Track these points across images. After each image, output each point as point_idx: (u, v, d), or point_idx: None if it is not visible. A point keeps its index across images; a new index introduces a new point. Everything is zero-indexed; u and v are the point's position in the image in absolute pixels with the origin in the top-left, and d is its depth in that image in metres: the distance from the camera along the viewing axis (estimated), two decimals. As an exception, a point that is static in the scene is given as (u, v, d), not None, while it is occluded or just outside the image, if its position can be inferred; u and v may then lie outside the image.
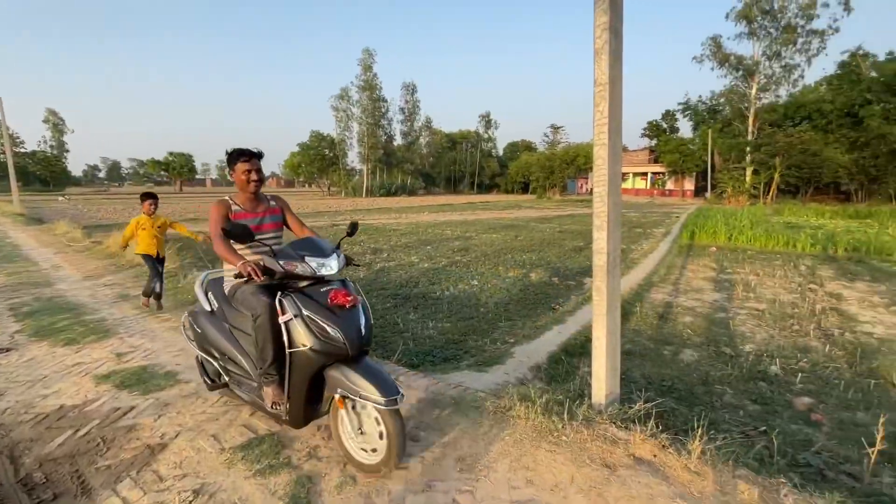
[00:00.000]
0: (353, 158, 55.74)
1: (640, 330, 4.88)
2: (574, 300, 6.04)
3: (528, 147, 71.66)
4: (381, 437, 2.10)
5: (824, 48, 32.27)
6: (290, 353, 2.11)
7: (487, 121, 71.12)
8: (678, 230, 14.83)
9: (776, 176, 31.34)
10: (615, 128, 2.24)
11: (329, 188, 57.96)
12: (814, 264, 8.93)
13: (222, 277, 2.71)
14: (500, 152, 74.42)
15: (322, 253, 2.19)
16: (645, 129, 54.68)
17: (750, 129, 34.43)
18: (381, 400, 1.95)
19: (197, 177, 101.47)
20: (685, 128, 51.22)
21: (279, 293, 2.16)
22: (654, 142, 51.62)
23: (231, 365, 2.53)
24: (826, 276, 7.82)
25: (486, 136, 71.16)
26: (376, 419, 2.10)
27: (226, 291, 2.55)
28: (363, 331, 2.14)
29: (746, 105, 35.04)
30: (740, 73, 35.04)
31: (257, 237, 2.44)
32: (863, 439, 2.54)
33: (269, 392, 2.23)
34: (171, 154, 76.75)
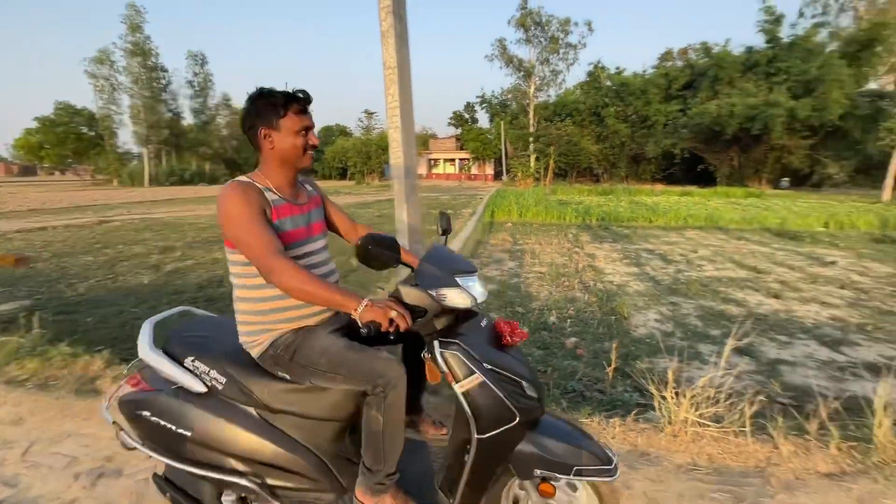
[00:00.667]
0: (128, 139, 45.47)
1: (452, 301, 5.36)
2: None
3: (344, 132, 70.26)
4: None
5: (578, 59, 40.34)
6: (482, 439, 1.34)
7: (369, 114, 66.90)
8: (482, 210, 16.75)
9: (551, 162, 38.08)
10: (407, 111, 2.34)
11: (93, 175, 46.09)
12: (577, 232, 11.25)
13: (209, 322, 1.77)
14: (315, 136, 71.01)
15: (465, 267, 1.47)
16: (451, 118, 59.59)
17: (531, 122, 40.84)
18: (609, 468, 1.33)
19: None
20: (483, 119, 57.75)
21: (435, 343, 1.37)
22: (459, 130, 56.76)
23: (273, 476, 1.52)
24: (585, 240, 9.94)
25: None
26: None
27: (254, 352, 1.52)
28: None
29: (527, 102, 41.36)
30: (521, 73, 41.09)
31: (306, 249, 1.54)
32: (604, 363, 3.33)
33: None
34: None
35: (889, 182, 19.85)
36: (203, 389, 1.49)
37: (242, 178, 1.47)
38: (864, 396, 3.02)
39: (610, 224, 12.81)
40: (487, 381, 1.30)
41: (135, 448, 1.56)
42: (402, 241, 2.52)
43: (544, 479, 1.38)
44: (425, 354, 1.39)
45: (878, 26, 26.73)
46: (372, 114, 65.60)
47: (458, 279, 1.38)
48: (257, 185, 1.44)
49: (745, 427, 2.00)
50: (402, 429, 1.40)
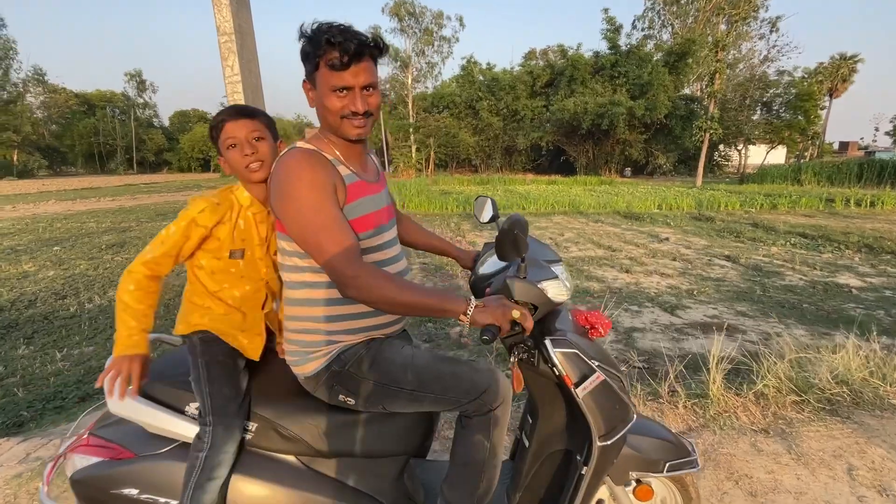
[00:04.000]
0: None
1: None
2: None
3: (203, 118, 62.31)
4: None
5: (452, 52, 41.52)
6: (606, 446, 1.16)
7: (140, 81, 57.25)
8: (364, 202, 16.33)
9: (432, 153, 38.81)
10: (252, 85, 1.99)
11: None
12: (459, 221, 11.56)
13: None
14: (166, 122, 61.97)
15: (553, 255, 1.32)
16: (327, 106, 56.83)
17: (411, 113, 40.99)
18: (693, 458, 1.28)
19: None
20: (362, 108, 56.21)
21: (548, 342, 1.15)
22: (337, 120, 54.50)
23: None
24: (466, 229, 10.25)
25: (140, 100, 57.33)
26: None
27: (306, 371, 1.17)
28: None
29: (406, 92, 41.39)
30: (398, 63, 40.87)
31: (383, 238, 1.24)
32: (487, 355, 3.37)
33: None
34: None
35: (700, 170, 24.30)
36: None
37: (303, 144, 1.14)
38: (700, 353, 3.55)
39: (488, 212, 13.45)
40: (609, 380, 1.16)
41: None
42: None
43: (638, 482, 1.31)
44: (514, 359, 1.21)
45: (688, 42, 32.41)
46: (143, 81, 58.33)
47: (554, 269, 1.23)
48: (325, 155, 1.11)
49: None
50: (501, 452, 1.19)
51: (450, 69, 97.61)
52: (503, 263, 1.26)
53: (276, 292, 1.31)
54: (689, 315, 4.68)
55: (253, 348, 1.26)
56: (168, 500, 1.13)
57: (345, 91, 1.07)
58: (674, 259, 7.26)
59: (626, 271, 6.45)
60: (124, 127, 53.07)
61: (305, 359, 1.15)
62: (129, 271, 1.14)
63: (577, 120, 31.73)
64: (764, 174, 25.38)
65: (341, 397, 1.15)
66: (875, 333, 2.84)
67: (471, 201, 14.61)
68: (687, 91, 35.50)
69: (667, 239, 9.05)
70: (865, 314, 4.58)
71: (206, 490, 1.10)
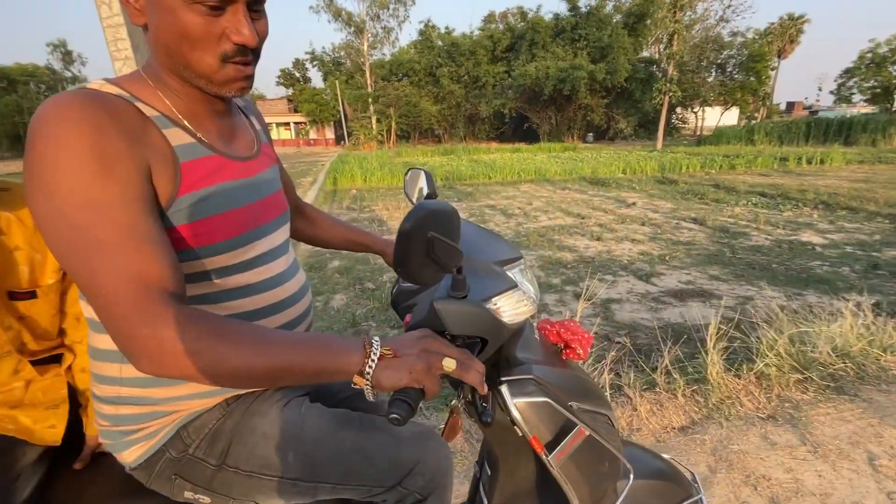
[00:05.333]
0: None
1: (289, 287, 4.59)
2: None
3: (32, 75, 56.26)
4: None
5: (409, 16, 39.63)
6: None
7: (66, 53, 51.87)
8: (323, 177, 15.50)
9: (393, 124, 37.53)
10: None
11: None
12: (424, 194, 11.15)
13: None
14: (102, 98, 56.59)
15: (510, 252, 0.81)
16: (279, 77, 53.70)
17: (369, 82, 39.26)
18: (698, 497, 1.02)
19: None
20: (317, 78, 53.53)
21: (504, 389, 0.73)
22: (290, 91, 51.65)
23: None
24: (432, 202, 9.87)
25: (68, 74, 52.08)
26: None
27: (130, 458, 0.71)
28: None
29: (362, 60, 39.47)
30: (352, 29, 38.72)
31: (255, 252, 0.75)
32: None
33: None
34: None
35: (660, 134, 24.64)
36: None
37: (96, 84, 0.65)
38: (680, 324, 3.39)
39: (454, 183, 13.03)
40: (595, 434, 0.79)
41: None
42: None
43: None
44: (457, 404, 0.84)
45: (647, 2, 32.18)
46: (69, 52, 52.98)
47: (511, 274, 0.77)
48: (136, 105, 0.64)
49: (605, 392, 1.90)
50: None
51: (407, 34, 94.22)
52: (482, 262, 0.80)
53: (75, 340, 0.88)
54: (664, 282, 4.54)
55: (46, 429, 0.82)
56: None
57: (218, 9, 0.61)
58: (643, 224, 7.16)
59: (598, 239, 6.28)
60: (52, 104, 47.86)
61: (124, 441, 0.74)
62: None
63: (539, 86, 31.29)
64: (720, 135, 26.03)
65: (188, 494, 0.76)
66: (851, 295, 2.73)
67: (435, 172, 14.12)
68: (646, 54, 35.59)
69: (634, 204, 8.98)
70: (832, 272, 4.60)
71: None
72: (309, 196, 11.28)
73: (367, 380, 0.56)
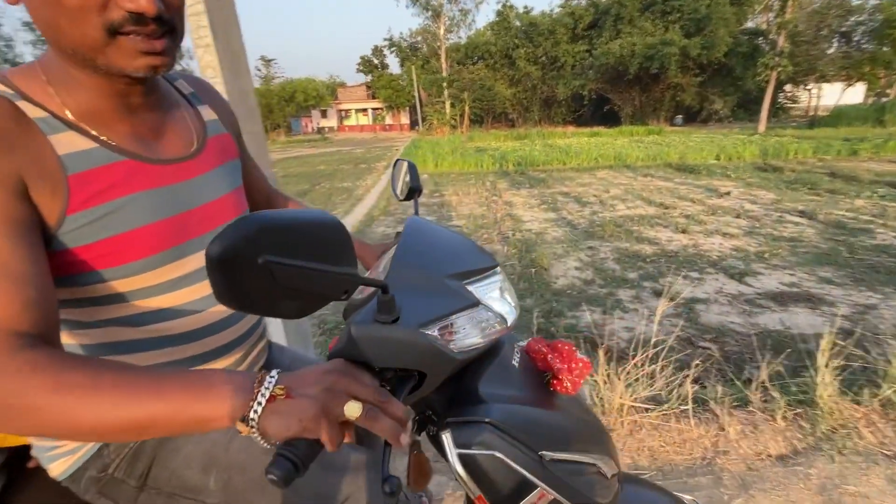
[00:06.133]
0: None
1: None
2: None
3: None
4: None
5: (486, -2, 38.75)
6: None
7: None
8: (397, 162, 15.88)
9: (466, 108, 37.27)
10: (225, 20, 1.55)
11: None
12: (495, 179, 10.93)
13: None
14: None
15: (478, 261, 0.66)
16: (359, 64, 55.52)
17: (444, 66, 39.21)
18: None
19: None
20: (394, 64, 54.51)
21: (446, 436, 0.59)
22: (369, 78, 53.25)
23: None
24: (503, 188, 9.64)
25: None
26: None
27: (55, 471, 0.69)
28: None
29: (438, 44, 39.44)
30: (429, 13, 38.75)
31: (194, 268, 0.68)
32: (524, 324, 2.96)
33: None
34: None
35: (764, 115, 21.93)
36: None
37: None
38: (780, 332, 2.98)
39: (526, 169, 12.66)
40: (556, 495, 0.62)
41: None
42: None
43: None
44: (409, 439, 0.63)
45: (756, -36, 28.48)
46: (270, 61, 58.87)
47: (471, 288, 0.62)
48: (17, 101, 0.56)
49: (686, 405, 1.70)
50: None
51: (484, 16, 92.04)
52: (430, 275, 0.64)
53: None
54: (761, 283, 4.03)
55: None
56: None
57: None
58: (737, 216, 6.43)
59: (683, 231, 5.74)
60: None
61: (48, 455, 0.70)
62: None
63: (622, 64, 29.23)
64: (839, 116, 22.62)
65: None
66: None
67: (507, 157, 13.82)
68: (750, 25, 31.68)
69: (728, 193, 8.09)
70: None
71: None
72: (382, 182, 11.58)
73: (253, 427, 0.45)
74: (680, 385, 1.75)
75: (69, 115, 0.59)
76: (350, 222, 6.83)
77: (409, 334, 0.55)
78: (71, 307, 0.62)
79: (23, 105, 0.55)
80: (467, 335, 0.59)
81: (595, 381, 1.81)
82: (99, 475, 0.69)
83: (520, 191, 9.21)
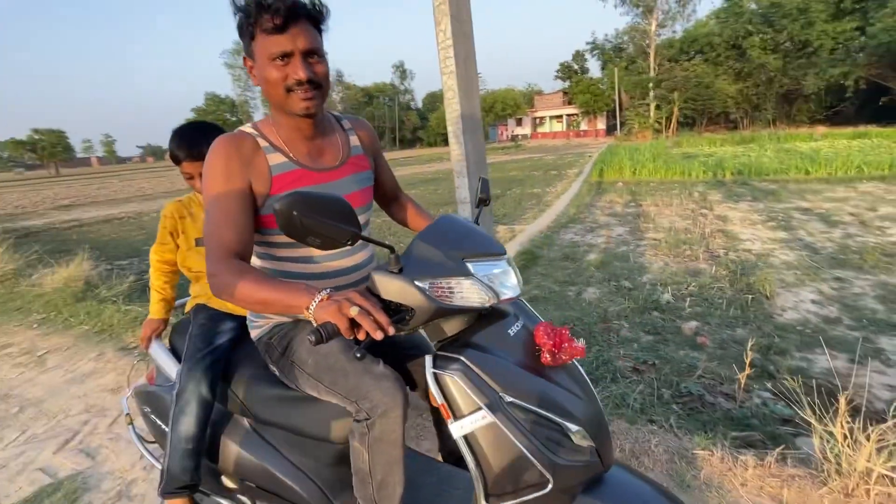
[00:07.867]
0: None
1: (547, 273, 4.84)
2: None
3: (447, 97, 69.93)
4: None
5: (712, -18, 33.91)
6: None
7: (402, 71, 68.31)
8: (589, 169, 15.31)
9: (675, 110, 33.37)
10: (465, 50, 1.87)
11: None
12: (705, 190, 9.57)
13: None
14: (420, 104, 72.32)
15: (485, 247, 0.93)
16: (557, 71, 55.45)
17: (651, 65, 36.00)
18: None
19: (78, 156, 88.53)
20: (595, 68, 52.51)
21: (427, 359, 0.93)
22: (567, 84, 52.66)
23: (265, 500, 1.29)
24: (715, 199, 8.38)
25: (402, 87, 68.60)
26: None
27: (253, 333, 1.27)
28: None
29: (647, 42, 36.43)
30: (640, 9, 36.05)
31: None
32: (733, 365, 2.60)
33: None
34: (36, 132, 65.51)
35: None
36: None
37: (244, 128, 1.10)
38: None
39: (749, 179, 10.66)
40: (500, 424, 0.84)
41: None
42: (465, 214, 2.11)
43: None
44: (435, 370, 0.91)
45: None
46: (405, 70, 64.74)
47: (470, 265, 0.87)
48: (258, 140, 1.06)
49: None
50: (399, 469, 1.03)
51: (705, 6, 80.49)
52: (438, 248, 0.90)
53: None
54: None
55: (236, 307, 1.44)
56: (162, 425, 1.34)
57: (284, 59, 0.98)
58: None
59: None
60: (390, 111, 65.11)
61: (254, 324, 1.24)
62: (150, 258, 1.56)
63: (917, 41, 21.77)
64: None
65: (271, 366, 1.20)
66: None
67: (724, 164, 11.90)
68: None
69: None
70: None
71: (179, 423, 1.22)
72: (573, 188, 11.40)
73: (310, 313, 0.83)
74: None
75: (278, 143, 1.08)
76: (535, 230, 6.96)
77: (405, 281, 0.84)
78: (259, 245, 1.13)
79: (259, 140, 1.07)
80: (457, 297, 0.86)
81: (830, 432, 1.51)
82: (267, 341, 1.20)
83: (738, 204, 7.87)
